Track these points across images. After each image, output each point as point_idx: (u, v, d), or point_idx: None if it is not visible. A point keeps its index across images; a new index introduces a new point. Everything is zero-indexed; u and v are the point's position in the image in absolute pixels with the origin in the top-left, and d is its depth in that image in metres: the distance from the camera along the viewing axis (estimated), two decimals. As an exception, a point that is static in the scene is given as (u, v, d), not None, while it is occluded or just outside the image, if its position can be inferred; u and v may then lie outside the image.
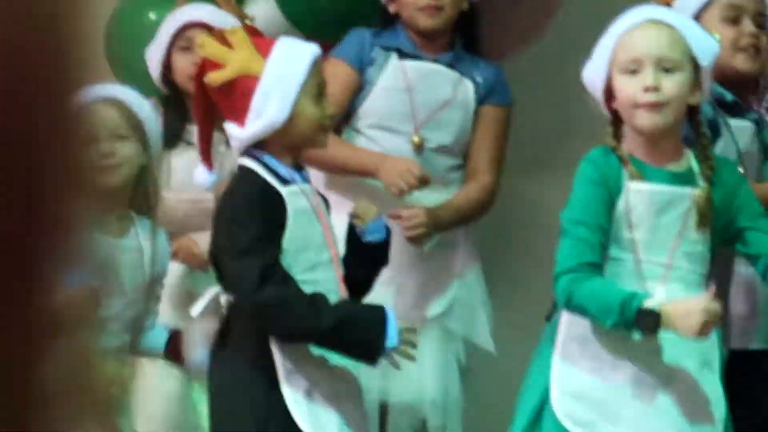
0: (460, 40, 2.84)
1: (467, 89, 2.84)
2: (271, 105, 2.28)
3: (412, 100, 2.78)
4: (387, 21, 2.83)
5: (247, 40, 2.31)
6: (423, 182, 2.65)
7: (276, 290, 2.19)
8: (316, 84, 2.35)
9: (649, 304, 2.19)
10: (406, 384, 2.72)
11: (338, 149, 2.70)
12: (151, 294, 2.48)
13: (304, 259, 2.29)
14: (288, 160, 2.32)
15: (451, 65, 2.81)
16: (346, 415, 2.27)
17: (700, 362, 2.35)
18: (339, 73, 2.73)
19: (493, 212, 2.90)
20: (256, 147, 2.31)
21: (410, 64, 2.79)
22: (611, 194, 2.31)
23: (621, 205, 2.32)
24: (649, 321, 2.20)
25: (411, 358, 2.29)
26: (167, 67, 2.94)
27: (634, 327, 2.21)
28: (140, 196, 2.48)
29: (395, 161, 2.69)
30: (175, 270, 2.74)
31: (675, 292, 2.29)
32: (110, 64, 3.06)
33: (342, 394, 2.30)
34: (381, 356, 2.25)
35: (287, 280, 2.21)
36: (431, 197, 2.76)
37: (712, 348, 2.35)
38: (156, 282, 2.50)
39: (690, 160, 2.35)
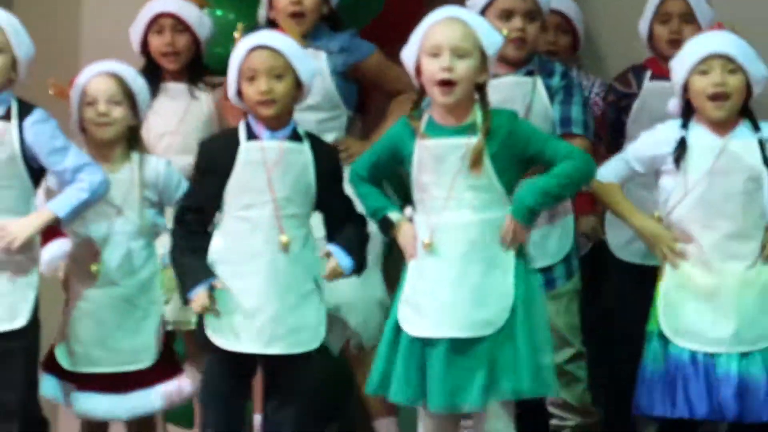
0: (324, 24, 3.75)
1: (320, 58, 3.71)
2: (230, 85, 3.27)
3: None
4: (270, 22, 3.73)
5: None
6: None
7: (175, 228, 3.30)
8: (248, 68, 3.19)
9: (391, 215, 3.19)
10: (333, 298, 3.52)
11: None
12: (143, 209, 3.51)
13: (241, 199, 3.22)
14: (262, 121, 3.20)
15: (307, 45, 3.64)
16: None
17: (490, 266, 3.16)
18: None
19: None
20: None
21: None
22: (398, 148, 3.20)
23: (414, 157, 3.13)
24: (385, 227, 3.22)
25: (203, 310, 3.23)
26: (144, 44, 3.97)
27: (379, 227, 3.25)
28: (133, 143, 3.51)
29: None
30: None
31: (464, 216, 3.14)
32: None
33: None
34: (187, 302, 3.26)
35: (183, 222, 3.27)
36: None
37: (506, 257, 3.17)
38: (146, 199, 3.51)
39: (476, 116, 3.10)
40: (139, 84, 3.56)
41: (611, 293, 4.06)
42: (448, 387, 3.20)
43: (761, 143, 3.34)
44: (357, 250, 3.34)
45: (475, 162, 3.09)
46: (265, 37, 3.29)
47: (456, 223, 3.17)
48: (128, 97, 3.51)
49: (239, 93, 3.29)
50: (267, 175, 3.22)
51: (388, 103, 3.75)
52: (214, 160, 3.23)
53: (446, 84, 3.08)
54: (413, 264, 3.22)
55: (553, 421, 3.92)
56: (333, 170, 3.34)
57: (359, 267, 3.40)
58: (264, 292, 3.26)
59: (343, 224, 3.33)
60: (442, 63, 3.09)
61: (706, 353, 3.40)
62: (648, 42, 3.97)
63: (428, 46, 3.14)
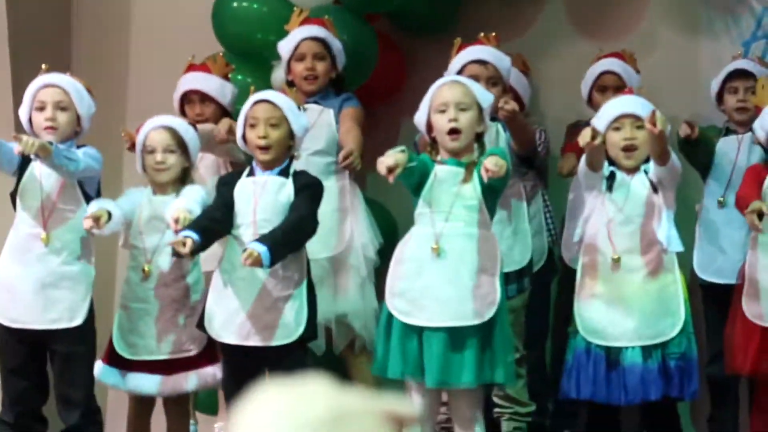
0: (331, 87, 4.71)
1: (329, 114, 4.66)
2: (238, 130, 4.18)
3: None
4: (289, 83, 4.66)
5: None
6: None
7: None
8: (251, 117, 4.06)
9: None
10: (337, 307, 4.49)
11: None
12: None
13: (236, 221, 4.07)
14: (259, 164, 4.10)
15: (316, 102, 4.66)
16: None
17: (480, 269, 4.01)
18: None
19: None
20: None
21: None
22: (426, 167, 4.01)
23: (429, 179, 3.99)
24: None
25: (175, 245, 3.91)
26: (183, 112, 4.83)
27: None
28: (184, 178, 4.31)
29: None
30: None
31: (457, 228, 4.00)
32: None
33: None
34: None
35: (201, 218, 4.01)
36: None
37: (493, 261, 4.05)
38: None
39: (474, 156, 4.00)
40: (190, 134, 4.34)
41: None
42: (443, 367, 3.98)
43: (646, 172, 4.19)
44: (271, 238, 4.00)
45: (467, 176, 4.01)
46: (267, 93, 4.17)
47: (455, 233, 4.02)
48: (181, 145, 4.28)
49: (243, 138, 4.12)
50: (254, 202, 4.10)
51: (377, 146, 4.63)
52: (225, 186, 4.15)
53: (454, 132, 3.97)
54: (410, 266, 4.08)
55: (496, 410, 4.75)
56: (304, 185, 4.12)
57: (273, 254, 3.96)
58: (243, 296, 4.10)
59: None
60: (449, 116, 3.98)
61: (611, 347, 4.20)
62: (588, 104, 4.90)
63: (437, 104, 4.03)
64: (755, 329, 4.27)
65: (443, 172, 4.06)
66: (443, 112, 4.00)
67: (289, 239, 4.06)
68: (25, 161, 4.44)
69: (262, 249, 3.96)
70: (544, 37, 5.58)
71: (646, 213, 4.22)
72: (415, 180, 4.08)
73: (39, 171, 4.42)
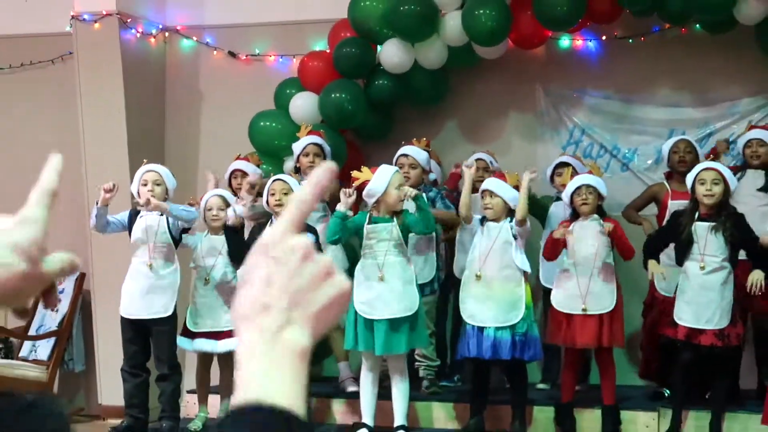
0: None
1: None
2: (264, 199, 6.03)
3: None
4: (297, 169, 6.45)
5: None
6: None
7: None
8: (271, 189, 5.80)
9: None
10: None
11: None
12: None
13: None
14: (275, 216, 5.66)
15: None
16: None
17: (406, 281, 5.54)
18: None
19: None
20: None
21: None
22: (361, 223, 5.65)
23: (365, 227, 5.79)
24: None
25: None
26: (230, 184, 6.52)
27: None
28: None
29: None
30: None
31: (390, 258, 5.67)
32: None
33: None
34: None
35: None
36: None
37: (412, 276, 5.57)
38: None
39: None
40: (231, 198, 6.09)
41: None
42: (386, 342, 5.56)
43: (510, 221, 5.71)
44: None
45: (395, 227, 5.59)
46: (280, 175, 5.92)
47: (389, 262, 5.57)
48: (227, 205, 6.04)
49: (267, 202, 5.69)
50: None
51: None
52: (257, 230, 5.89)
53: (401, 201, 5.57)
54: (368, 284, 5.50)
55: (416, 363, 6.46)
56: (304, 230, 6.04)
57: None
58: None
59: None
60: (400, 194, 5.55)
61: (482, 326, 5.67)
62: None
63: (394, 183, 5.58)
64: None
65: (380, 226, 5.58)
66: (399, 189, 5.67)
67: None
68: (134, 215, 5.93)
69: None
70: (446, 140, 7.43)
71: (505, 247, 5.71)
72: (350, 233, 5.60)
73: (145, 221, 5.91)
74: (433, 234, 6.33)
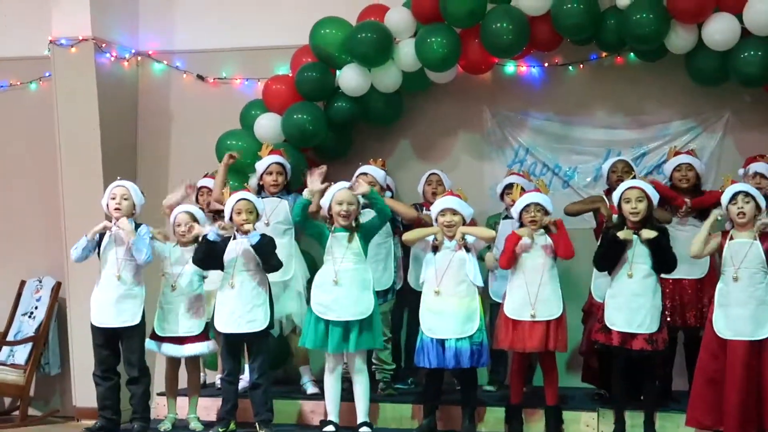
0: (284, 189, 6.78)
1: (285, 202, 6.64)
2: (226, 215, 6.34)
3: None
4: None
5: None
6: None
7: None
8: (236, 208, 6.15)
9: None
10: (286, 309, 6.76)
11: None
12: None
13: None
14: (240, 230, 6.21)
15: (278, 197, 6.76)
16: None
17: (362, 286, 5.89)
18: None
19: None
20: None
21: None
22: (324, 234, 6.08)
23: (329, 240, 6.07)
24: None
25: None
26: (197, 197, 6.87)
27: None
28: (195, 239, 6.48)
29: None
30: None
31: (347, 266, 6.03)
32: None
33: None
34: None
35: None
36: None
37: (369, 282, 5.93)
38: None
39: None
40: (200, 215, 6.37)
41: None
42: (339, 342, 5.87)
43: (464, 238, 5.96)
44: (268, 240, 5.96)
45: (351, 237, 5.97)
46: (244, 193, 6.10)
47: (345, 269, 5.85)
48: (195, 221, 6.31)
49: (231, 218, 5.97)
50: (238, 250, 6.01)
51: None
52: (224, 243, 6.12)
53: (346, 216, 5.90)
54: (325, 287, 5.76)
55: (373, 367, 6.70)
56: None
57: (261, 241, 5.86)
58: (235, 303, 5.97)
59: None
60: (344, 208, 5.86)
61: (441, 338, 5.85)
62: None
63: (336, 199, 5.89)
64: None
65: (338, 235, 5.96)
66: (340, 204, 6.04)
67: (269, 253, 5.95)
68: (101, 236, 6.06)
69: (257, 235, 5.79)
70: (401, 158, 7.67)
71: (461, 263, 5.94)
72: (314, 226, 5.91)
73: (114, 239, 6.07)
74: (392, 244, 6.68)
